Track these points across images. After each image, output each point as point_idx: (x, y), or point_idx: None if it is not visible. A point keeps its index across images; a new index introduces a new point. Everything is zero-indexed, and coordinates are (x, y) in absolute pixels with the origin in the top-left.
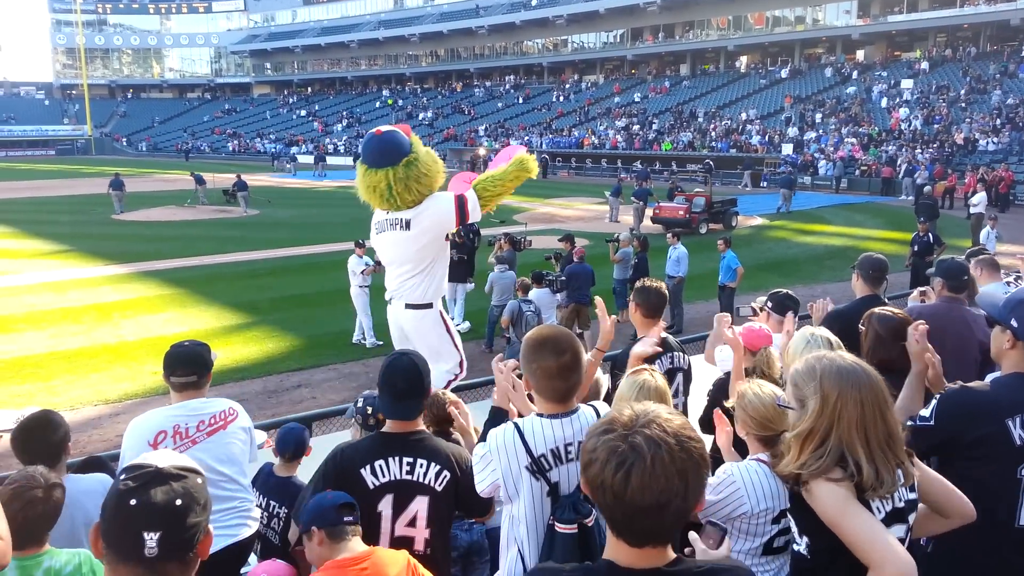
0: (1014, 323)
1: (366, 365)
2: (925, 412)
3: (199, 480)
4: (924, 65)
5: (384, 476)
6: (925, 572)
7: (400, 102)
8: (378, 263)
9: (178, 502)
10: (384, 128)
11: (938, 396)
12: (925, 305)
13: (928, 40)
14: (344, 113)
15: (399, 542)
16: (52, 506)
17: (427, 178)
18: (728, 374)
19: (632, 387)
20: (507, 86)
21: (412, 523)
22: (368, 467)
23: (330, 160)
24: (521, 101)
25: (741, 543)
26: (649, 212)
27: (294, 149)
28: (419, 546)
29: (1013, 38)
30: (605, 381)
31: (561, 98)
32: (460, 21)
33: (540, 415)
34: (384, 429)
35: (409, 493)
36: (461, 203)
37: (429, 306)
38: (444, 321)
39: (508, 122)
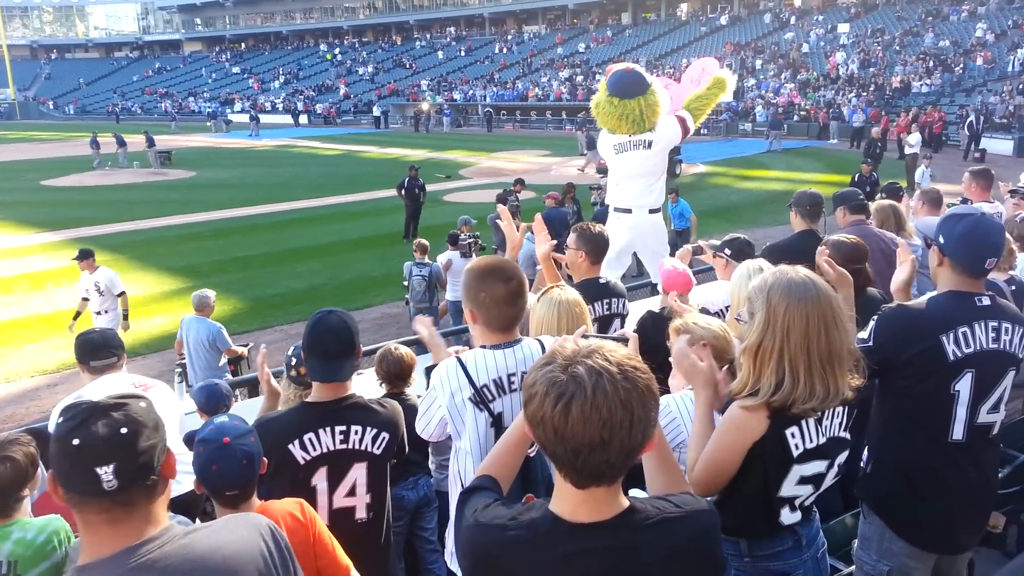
0: (941, 240)
1: None
2: (864, 334)
3: (142, 404)
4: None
5: (315, 449)
6: (866, 489)
7: (339, 56)
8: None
9: (123, 430)
10: (630, 66)
11: (876, 317)
12: (842, 232)
13: None
14: (280, 69)
15: (339, 514)
16: (9, 476)
17: (659, 106)
18: (652, 312)
19: (548, 305)
20: (448, 38)
21: (352, 492)
22: (296, 441)
23: (269, 119)
24: (463, 53)
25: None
26: (594, 163)
27: (228, 109)
28: (361, 513)
29: None
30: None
31: (504, 50)
32: None
33: (483, 347)
34: (311, 398)
35: (345, 462)
36: (683, 122)
37: (659, 211)
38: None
39: (451, 75)
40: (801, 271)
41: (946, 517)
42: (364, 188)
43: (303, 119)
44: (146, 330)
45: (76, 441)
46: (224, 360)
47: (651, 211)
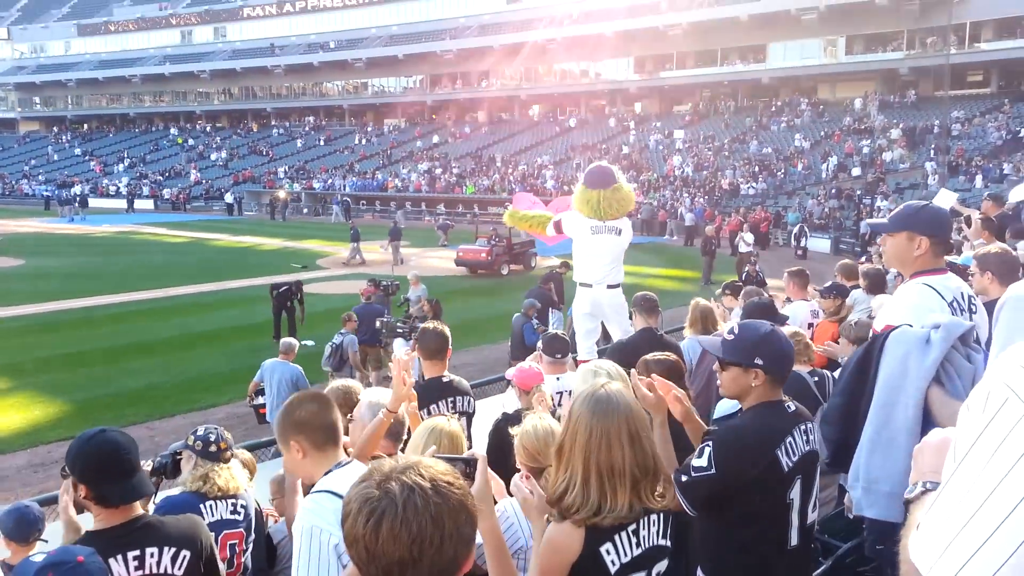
0: (759, 361)
1: (151, 428)
2: (701, 462)
3: None
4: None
5: None
6: None
7: (191, 141)
8: None
9: None
10: (603, 163)
11: (710, 443)
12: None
13: (695, 95)
14: (126, 152)
15: None
16: None
17: (623, 203)
18: (506, 414)
19: (424, 433)
20: (307, 127)
21: None
22: None
23: (109, 203)
24: (322, 143)
25: None
26: (453, 255)
27: (66, 193)
28: None
29: (764, 94)
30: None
31: (363, 140)
32: (254, 59)
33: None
34: (94, 527)
35: None
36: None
37: (619, 286)
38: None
39: (309, 164)
40: (612, 387)
41: None
42: (213, 278)
43: (149, 204)
44: None
45: None
46: None
47: (609, 286)
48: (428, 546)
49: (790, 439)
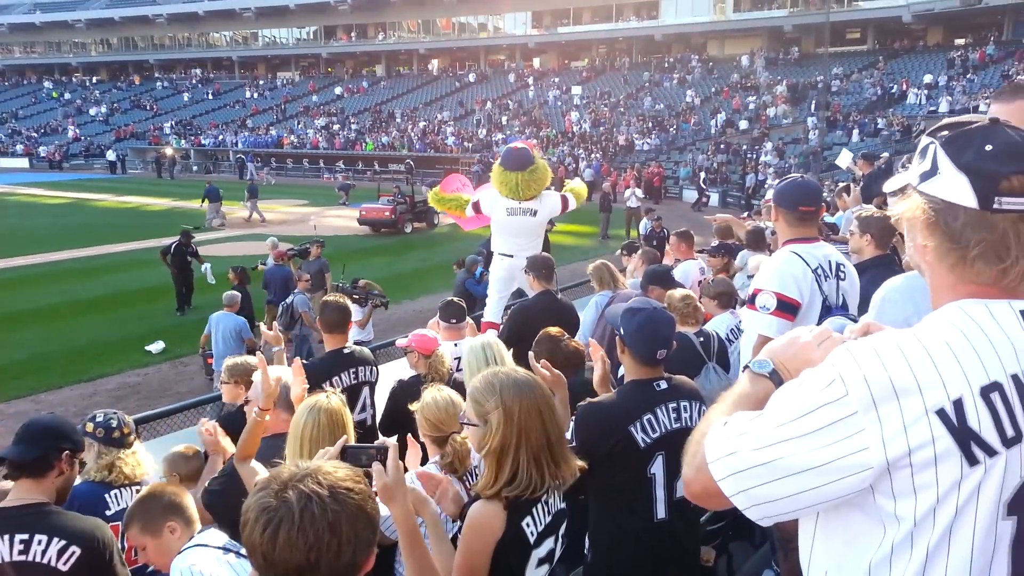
0: (621, 331)
1: (36, 402)
2: (568, 433)
3: None
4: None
5: None
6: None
7: (67, 95)
8: None
9: None
10: (519, 144)
11: (573, 417)
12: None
13: (592, 50)
14: None
15: None
16: None
17: (540, 182)
18: (401, 381)
19: (304, 411)
20: (193, 80)
21: None
22: None
23: None
24: (211, 96)
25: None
26: (355, 213)
27: None
28: None
29: (658, 51)
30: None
31: (255, 95)
32: (134, 7)
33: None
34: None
35: None
36: (565, 201)
37: None
38: None
39: (197, 119)
40: (520, 371)
41: None
42: (97, 242)
43: (24, 163)
44: None
45: None
46: (245, 350)
47: (528, 258)
48: (325, 552)
49: (649, 416)
